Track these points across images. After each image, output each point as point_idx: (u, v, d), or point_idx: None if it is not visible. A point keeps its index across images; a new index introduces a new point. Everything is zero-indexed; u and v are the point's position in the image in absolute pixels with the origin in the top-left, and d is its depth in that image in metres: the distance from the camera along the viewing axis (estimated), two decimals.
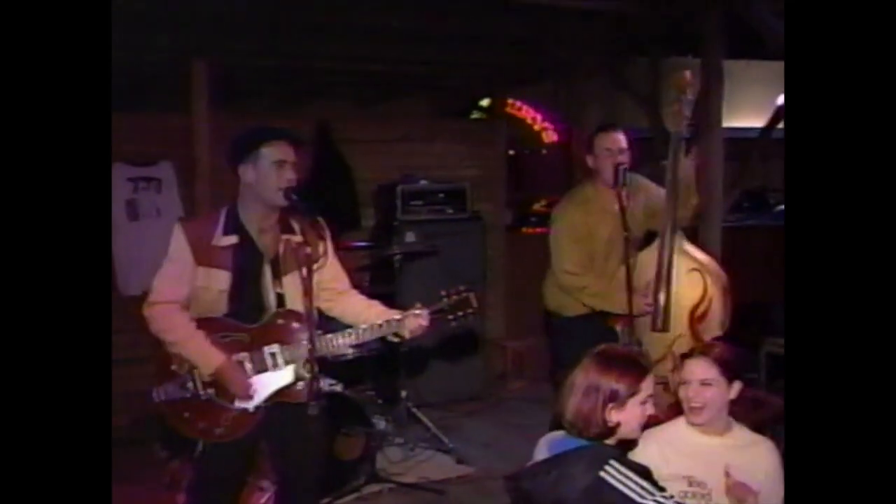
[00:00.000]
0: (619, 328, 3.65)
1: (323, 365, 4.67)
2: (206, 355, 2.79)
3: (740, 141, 6.02)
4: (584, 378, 2.21)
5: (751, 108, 7.39)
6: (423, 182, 6.01)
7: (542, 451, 2.25)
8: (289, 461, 3.01)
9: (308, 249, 2.76)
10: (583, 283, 3.78)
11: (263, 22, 4.54)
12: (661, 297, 3.46)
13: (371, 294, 5.00)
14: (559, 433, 2.27)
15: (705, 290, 3.51)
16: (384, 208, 6.02)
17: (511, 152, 14.39)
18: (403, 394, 5.05)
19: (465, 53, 5.66)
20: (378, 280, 5.52)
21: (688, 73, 3.51)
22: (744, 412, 2.76)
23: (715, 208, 4.64)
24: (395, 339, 3.05)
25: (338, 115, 6.32)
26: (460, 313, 2.99)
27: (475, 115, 8.78)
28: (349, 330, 2.94)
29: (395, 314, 2.98)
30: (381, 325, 2.93)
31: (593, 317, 3.79)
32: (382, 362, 5.41)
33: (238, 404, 2.83)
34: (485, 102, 9.64)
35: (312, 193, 5.79)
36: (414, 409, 5.09)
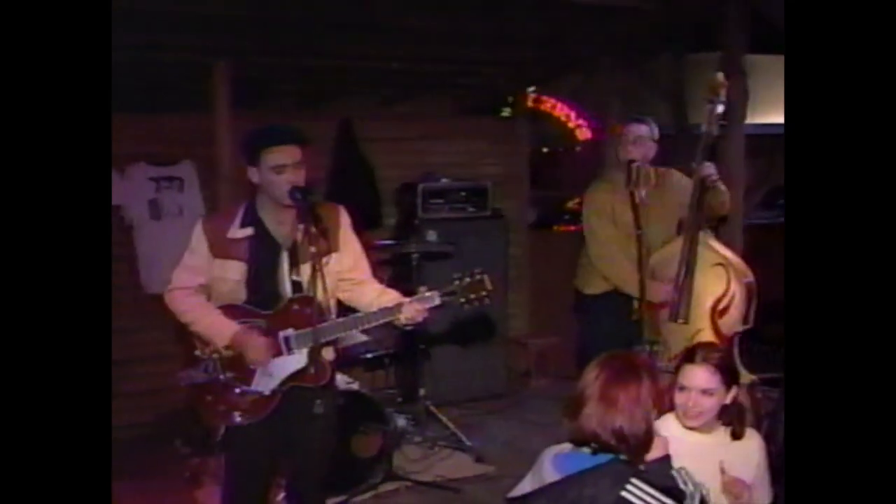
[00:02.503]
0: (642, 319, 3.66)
1: (342, 360, 4.73)
2: (219, 327, 2.90)
3: (767, 137, 5.92)
4: (625, 394, 2.08)
5: (779, 104, 7.24)
6: (444, 180, 6.01)
7: (549, 471, 2.13)
8: (297, 453, 3.06)
9: (313, 249, 2.81)
10: (611, 257, 3.97)
11: (284, 21, 4.55)
12: (683, 289, 3.50)
13: None
14: (564, 447, 2.18)
15: (728, 285, 3.51)
16: (406, 207, 6.03)
17: (545, 149, 14.34)
18: (422, 392, 5.05)
19: (487, 51, 5.63)
20: (399, 278, 5.53)
21: (720, 76, 3.55)
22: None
23: (736, 206, 4.56)
24: (404, 325, 3.01)
25: (360, 113, 6.33)
26: (473, 296, 2.95)
27: (505, 112, 8.69)
28: (356, 315, 2.99)
29: (405, 300, 2.97)
30: (376, 312, 2.94)
31: (615, 295, 3.92)
32: (403, 360, 5.43)
33: (255, 386, 2.91)
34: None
35: (334, 192, 5.88)
36: (432, 408, 5.09)
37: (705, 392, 2.50)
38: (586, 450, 2.11)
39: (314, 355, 2.84)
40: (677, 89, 6.45)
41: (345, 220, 3.05)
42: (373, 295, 3.09)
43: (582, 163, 11.95)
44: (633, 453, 2.08)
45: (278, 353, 2.90)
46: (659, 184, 3.99)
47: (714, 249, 3.62)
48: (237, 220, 2.96)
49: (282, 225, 2.95)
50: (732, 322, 3.51)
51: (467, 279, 2.95)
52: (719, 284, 3.52)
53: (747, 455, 2.57)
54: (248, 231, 2.93)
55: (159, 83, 5.37)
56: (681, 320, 3.51)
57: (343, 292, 3.08)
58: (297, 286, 2.92)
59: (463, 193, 6.00)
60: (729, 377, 2.55)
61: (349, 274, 3.06)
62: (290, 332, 2.90)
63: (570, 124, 14.10)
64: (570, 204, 12.07)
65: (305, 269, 2.91)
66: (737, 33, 4.66)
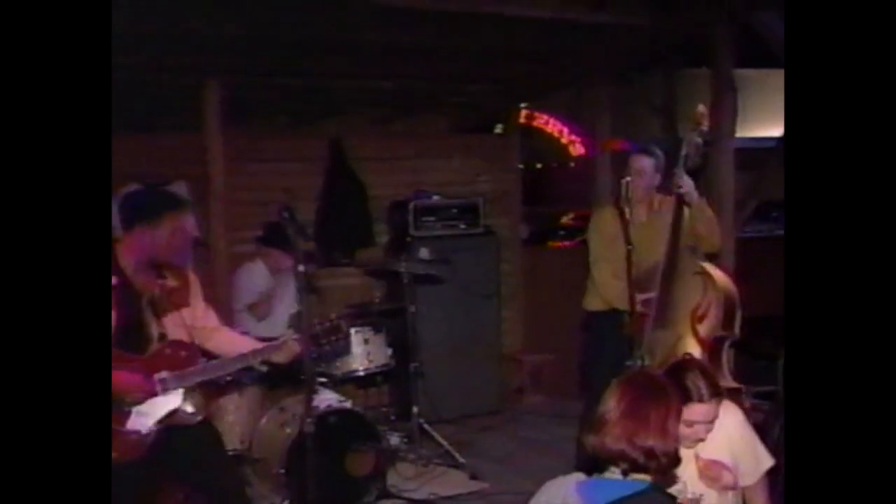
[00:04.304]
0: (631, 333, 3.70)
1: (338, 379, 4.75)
2: None
3: (757, 151, 5.95)
4: (656, 412, 2.04)
5: (769, 118, 7.30)
6: (435, 198, 6.02)
7: (574, 499, 2.04)
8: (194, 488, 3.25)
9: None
10: (602, 274, 4.14)
11: (276, 40, 4.57)
12: (665, 297, 3.64)
13: (384, 311, 4.95)
14: (579, 476, 2.11)
15: (706, 292, 3.66)
16: (397, 224, 6.03)
17: (538, 165, 14.41)
18: (415, 409, 5.03)
19: (479, 68, 5.67)
20: (391, 296, 5.53)
21: (701, 107, 3.76)
22: None
23: (725, 219, 4.59)
24: (262, 368, 3.49)
25: (353, 132, 6.35)
26: (333, 338, 3.30)
27: (497, 129, 8.72)
28: (219, 360, 3.20)
29: (261, 345, 3.28)
30: (234, 358, 3.21)
31: (613, 312, 4.00)
32: (396, 378, 5.41)
33: (130, 426, 2.94)
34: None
35: (326, 211, 5.89)
36: (426, 426, 5.07)
37: (714, 420, 2.47)
38: (615, 474, 2.05)
39: (188, 395, 3.07)
40: (669, 105, 6.49)
41: (193, 278, 3.31)
42: (231, 339, 3.39)
43: (575, 179, 12.02)
44: (661, 473, 2.04)
45: (153, 394, 3.00)
46: (660, 209, 4.06)
47: (694, 261, 3.77)
48: None
49: (137, 275, 3.08)
50: (711, 327, 3.65)
51: (327, 324, 3.28)
52: (697, 291, 3.68)
53: (724, 434, 2.52)
54: (114, 280, 3.01)
55: (151, 103, 5.38)
56: (660, 326, 3.62)
57: (206, 341, 3.30)
58: (162, 337, 3.10)
59: (454, 210, 6.00)
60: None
61: (201, 323, 3.30)
62: (164, 374, 3.03)
63: (564, 140, 14.19)
64: (564, 220, 12.11)
65: (168, 321, 3.13)
66: (726, 49, 4.71)
